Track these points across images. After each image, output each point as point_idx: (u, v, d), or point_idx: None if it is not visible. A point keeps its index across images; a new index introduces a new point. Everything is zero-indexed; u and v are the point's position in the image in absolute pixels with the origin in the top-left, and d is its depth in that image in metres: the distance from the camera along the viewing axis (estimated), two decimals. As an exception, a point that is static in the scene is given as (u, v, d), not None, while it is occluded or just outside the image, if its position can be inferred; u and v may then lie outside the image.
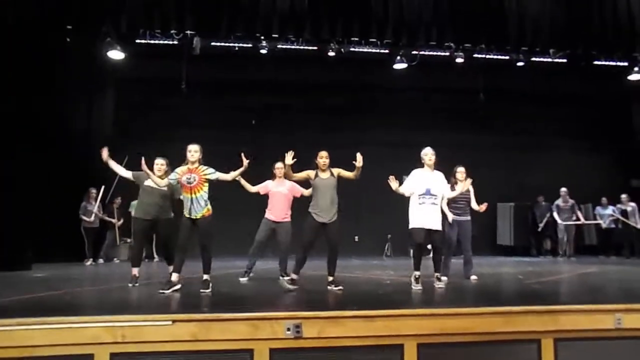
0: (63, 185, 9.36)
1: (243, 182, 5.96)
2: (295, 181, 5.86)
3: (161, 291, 4.90)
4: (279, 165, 6.33)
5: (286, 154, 5.28)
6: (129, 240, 10.36)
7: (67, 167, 9.61)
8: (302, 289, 5.19)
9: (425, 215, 5.23)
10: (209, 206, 5.10)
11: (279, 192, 6.27)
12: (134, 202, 9.99)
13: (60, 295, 4.88)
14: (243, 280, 6.21)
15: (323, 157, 5.33)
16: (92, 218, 9.59)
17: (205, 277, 5.04)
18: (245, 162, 5.02)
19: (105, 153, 5.58)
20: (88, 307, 4.45)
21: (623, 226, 11.22)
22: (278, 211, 6.23)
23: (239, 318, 3.56)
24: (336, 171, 5.40)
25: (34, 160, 8.89)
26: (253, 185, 6.32)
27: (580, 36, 10.02)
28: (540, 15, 9.63)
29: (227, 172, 5.19)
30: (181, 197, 5.39)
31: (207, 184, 5.09)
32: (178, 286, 5.02)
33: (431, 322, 3.76)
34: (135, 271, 5.68)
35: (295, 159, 5.25)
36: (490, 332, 3.81)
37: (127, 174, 5.76)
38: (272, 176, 6.41)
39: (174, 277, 5.04)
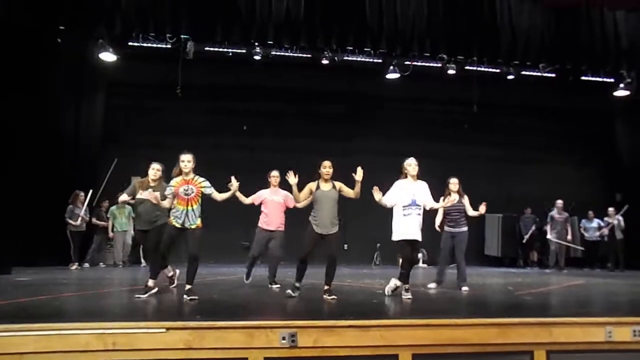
0: (48, 187, 9.16)
1: (238, 193, 5.82)
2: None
3: (137, 296, 5.00)
4: (274, 173, 6.25)
5: (287, 175, 5.13)
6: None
7: (53, 170, 9.44)
8: (298, 298, 5.16)
9: (410, 226, 5.22)
10: (201, 218, 5.05)
11: (273, 201, 6.15)
12: (113, 208, 9.86)
13: (48, 301, 4.78)
14: (247, 281, 6.33)
15: (326, 167, 5.21)
16: (79, 222, 9.23)
17: (189, 286, 4.97)
18: (234, 186, 5.04)
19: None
20: (78, 314, 4.35)
21: (609, 239, 11.39)
22: (273, 220, 6.12)
23: (234, 326, 3.52)
24: (338, 184, 5.28)
25: (18, 161, 8.71)
26: (246, 196, 6.16)
27: (570, 52, 10.28)
28: (532, 30, 9.83)
29: (222, 190, 5.15)
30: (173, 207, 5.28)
31: (201, 196, 5.05)
32: (154, 290, 5.14)
33: (426, 333, 3.76)
34: (151, 282, 5.29)
35: (297, 175, 5.14)
36: (484, 343, 3.83)
37: (127, 198, 5.62)
38: (267, 184, 6.31)
39: (151, 282, 5.15)
